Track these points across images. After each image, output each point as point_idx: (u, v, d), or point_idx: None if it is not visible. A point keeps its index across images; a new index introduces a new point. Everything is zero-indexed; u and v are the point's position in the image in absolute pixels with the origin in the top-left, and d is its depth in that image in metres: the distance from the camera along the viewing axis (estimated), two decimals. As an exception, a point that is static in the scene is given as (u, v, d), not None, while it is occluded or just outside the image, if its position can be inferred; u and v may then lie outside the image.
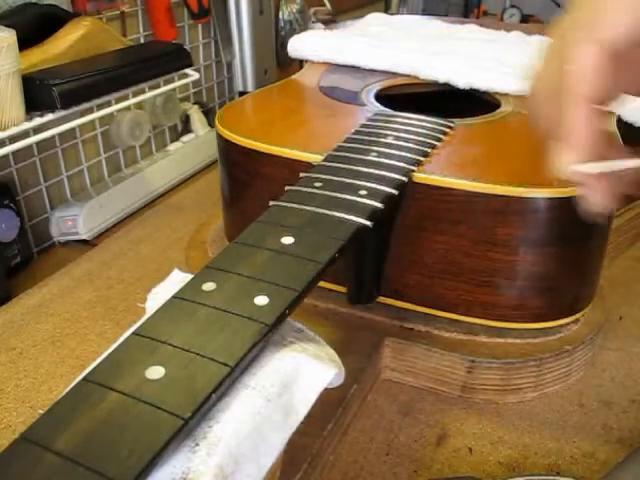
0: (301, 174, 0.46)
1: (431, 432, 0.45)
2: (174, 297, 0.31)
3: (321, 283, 0.36)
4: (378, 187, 0.44)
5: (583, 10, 0.32)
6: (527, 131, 0.58)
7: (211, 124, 1.03)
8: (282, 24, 1.13)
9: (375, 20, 0.98)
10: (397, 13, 1.70)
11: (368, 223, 0.39)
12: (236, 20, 1.01)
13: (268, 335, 0.29)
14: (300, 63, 0.90)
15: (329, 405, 0.42)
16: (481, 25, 0.93)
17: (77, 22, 0.72)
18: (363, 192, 0.43)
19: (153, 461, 0.22)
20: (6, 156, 0.69)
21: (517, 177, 0.46)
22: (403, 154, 0.49)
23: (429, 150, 0.50)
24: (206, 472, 0.24)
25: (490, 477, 0.41)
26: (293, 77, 0.75)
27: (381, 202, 0.42)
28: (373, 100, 0.65)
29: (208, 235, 0.66)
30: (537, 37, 0.86)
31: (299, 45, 0.81)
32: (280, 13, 1.13)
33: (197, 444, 0.24)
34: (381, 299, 0.52)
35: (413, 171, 0.47)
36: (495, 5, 2.10)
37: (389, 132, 0.53)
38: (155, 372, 0.26)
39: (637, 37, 0.30)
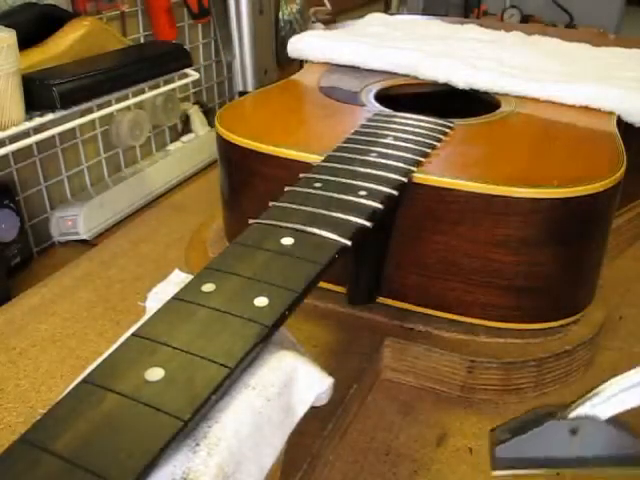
0: (301, 175, 0.46)
1: (431, 432, 0.45)
2: (173, 298, 0.31)
3: (321, 283, 0.36)
4: (378, 188, 0.44)
5: None
6: (527, 131, 0.58)
7: (211, 124, 1.03)
8: (282, 24, 1.13)
9: (375, 20, 0.98)
10: (397, 13, 1.70)
11: (368, 224, 0.39)
12: (236, 20, 1.01)
13: (268, 336, 0.29)
14: (300, 63, 0.90)
15: (329, 405, 0.42)
16: (481, 25, 0.93)
17: (77, 22, 0.72)
18: (363, 193, 0.43)
19: (152, 463, 0.22)
20: (6, 156, 0.69)
21: (517, 177, 0.46)
22: (403, 154, 0.49)
23: (429, 150, 0.50)
24: (206, 472, 0.24)
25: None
26: (293, 77, 0.75)
27: (381, 203, 0.42)
28: (373, 100, 0.65)
29: (208, 235, 0.66)
30: (537, 37, 0.86)
31: (299, 45, 0.81)
32: (280, 13, 1.12)
33: (197, 444, 0.24)
34: (381, 299, 0.52)
35: (413, 172, 0.47)
36: (495, 5, 2.10)
37: (389, 132, 0.53)
38: (154, 374, 0.26)
39: None
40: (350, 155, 0.49)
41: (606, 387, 0.29)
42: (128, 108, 0.83)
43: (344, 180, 0.45)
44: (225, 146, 0.56)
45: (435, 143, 0.52)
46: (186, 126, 1.02)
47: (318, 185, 0.44)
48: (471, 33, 0.89)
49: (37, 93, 0.61)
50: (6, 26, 0.58)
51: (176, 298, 0.31)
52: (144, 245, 0.70)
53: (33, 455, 0.22)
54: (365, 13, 1.02)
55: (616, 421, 0.29)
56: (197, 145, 1.00)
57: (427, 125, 0.55)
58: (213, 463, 0.24)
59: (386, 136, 0.52)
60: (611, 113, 0.60)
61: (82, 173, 0.83)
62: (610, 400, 0.29)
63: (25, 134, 0.63)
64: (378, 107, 0.62)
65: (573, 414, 0.29)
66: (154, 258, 0.67)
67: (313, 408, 0.30)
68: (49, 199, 0.78)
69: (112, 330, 0.55)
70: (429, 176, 0.46)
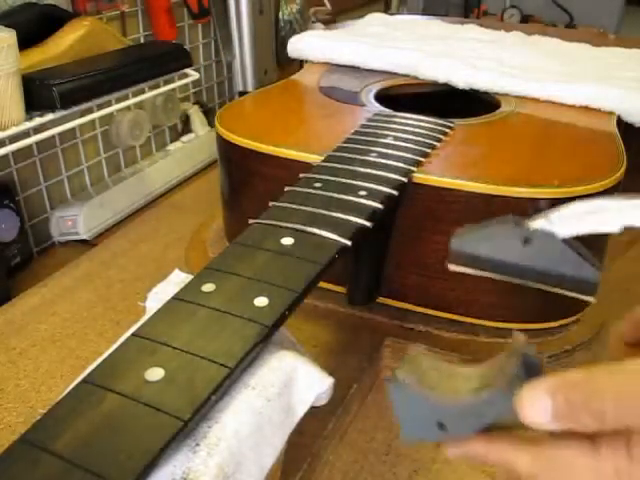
0: (301, 175, 0.46)
1: (431, 432, 0.45)
2: (174, 298, 0.31)
3: (321, 283, 0.36)
4: (378, 188, 0.44)
5: None
6: (527, 131, 0.58)
7: (211, 124, 1.03)
8: (282, 24, 1.13)
9: (375, 20, 0.98)
10: (397, 13, 1.70)
11: (368, 224, 0.39)
12: (236, 20, 1.01)
13: (268, 336, 0.29)
14: (300, 63, 0.90)
15: (329, 405, 0.42)
16: (481, 25, 0.93)
17: (77, 22, 0.72)
18: (363, 193, 0.43)
19: (152, 463, 0.22)
20: (6, 156, 0.69)
21: (517, 177, 0.46)
22: (403, 154, 0.49)
23: (429, 150, 0.50)
24: (206, 472, 0.24)
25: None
26: (293, 77, 0.75)
27: (381, 203, 0.42)
28: (373, 100, 0.65)
29: (208, 235, 0.66)
30: (537, 37, 0.86)
31: (299, 45, 0.81)
32: (280, 13, 1.12)
33: (197, 444, 0.24)
34: (381, 299, 0.52)
35: (413, 171, 0.47)
36: (495, 5, 2.09)
37: (389, 132, 0.53)
38: (155, 374, 0.26)
39: None
40: (350, 155, 0.49)
41: (570, 206, 0.29)
42: (128, 108, 0.83)
43: (344, 180, 0.45)
44: (225, 146, 0.56)
45: (435, 143, 0.52)
46: (186, 126, 1.02)
47: (318, 185, 0.44)
48: (471, 33, 0.89)
49: (37, 93, 0.61)
50: (6, 26, 0.58)
51: (176, 298, 0.31)
52: (144, 245, 0.70)
53: (33, 455, 0.22)
54: (365, 13, 1.02)
55: (572, 242, 0.30)
56: (197, 145, 1.00)
57: (427, 125, 0.55)
58: (213, 463, 0.24)
59: (386, 136, 0.52)
60: (611, 113, 0.60)
61: (82, 173, 0.83)
62: (569, 219, 0.29)
63: (25, 134, 0.63)
64: (378, 107, 0.62)
65: (530, 225, 0.29)
66: (154, 258, 0.67)
67: (313, 408, 0.30)
68: (49, 199, 0.78)
69: (112, 330, 0.55)
70: (429, 176, 0.46)
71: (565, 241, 0.30)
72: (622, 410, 0.23)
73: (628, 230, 0.27)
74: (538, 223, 0.29)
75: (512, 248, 0.30)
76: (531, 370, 0.24)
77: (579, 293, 0.31)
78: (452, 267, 0.33)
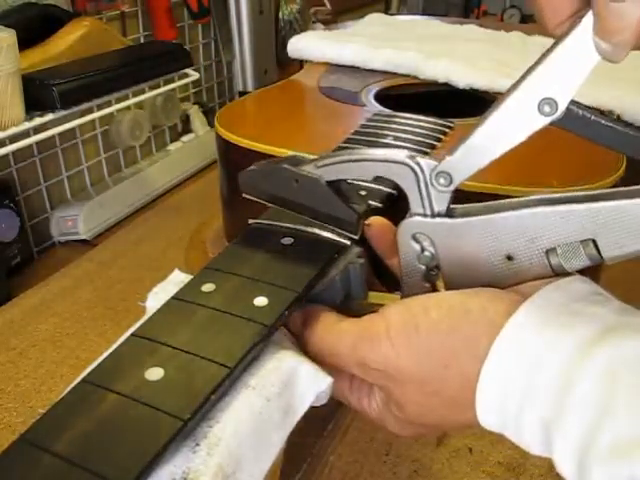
0: (301, 174, 0.46)
1: (431, 432, 0.45)
2: (173, 298, 0.31)
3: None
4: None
5: None
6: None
7: (211, 124, 1.03)
8: (282, 24, 1.13)
9: (375, 20, 0.98)
10: (397, 13, 1.70)
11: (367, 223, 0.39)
12: (236, 20, 1.01)
13: (268, 336, 0.29)
14: (300, 63, 0.90)
15: (329, 405, 0.42)
16: (481, 25, 0.93)
17: (77, 22, 0.72)
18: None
19: (152, 463, 0.22)
20: (6, 156, 0.69)
21: (517, 177, 0.46)
22: (403, 154, 0.49)
23: (429, 150, 0.50)
24: (206, 472, 0.24)
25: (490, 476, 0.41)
26: (293, 77, 0.75)
27: (381, 202, 0.42)
28: (373, 100, 0.65)
29: (208, 235, 0.66)
30: (537, 37, 0.86)
31: (299, 45, 0.81)
32: (280, 13, 1.12)
33: (197, 444, 0.24)
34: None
35: (413, 171, 0.47)
36: (495, 5, 2.10)
37: (389, 132, 0.53)
38: (154, 373, 0.26)
39: None
40: (350, 155, 0.48)
41: (336, 154, 0.33)
42: (128, 108, 0.83)
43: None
44: (225, 146, 0.56)
45: (435, 143, 0.52)
46: (186, 126, 1.02)
47: (318, 185, 0.44)
48: (471, 33, 0.89)
49: (37, 93, 0.61)
50: (6, 26, 0.58)
51: (176, 298, 0.31)
52: (144, 245, 0.70)
53: (33, 455, 0.22)
54: (365, 13, 1.02)
55: (339, 185, 0.34)
56: (197, 145, 1.00)
57: (427, 125, 0.55)
58: (213, 463, 0.24)
59: (386, 136, 0.52)
60: (611, 113, 0.60)
61: (82, 173, 0.83)
62: (333, 167, 0.33)
63: (25, 134, 0.63)
64: (378, 107, 0.62)
65: (301, 168, 0.33)
66: (154, 258, 0.67)
67: (313, 408, 0.30)
68: (49, 199, 0.78)
69: (112, 330, 0.55)
70: (429, 176, 0.46)
71: (330, 184, 0.33)
72: (333, 361, 0.30)
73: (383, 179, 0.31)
74: (307, 167, 0.33)
75: (285, 186, 0.35)
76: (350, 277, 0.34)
77: (344, 230, 0.35)
78: (245, 195, 0.38)
